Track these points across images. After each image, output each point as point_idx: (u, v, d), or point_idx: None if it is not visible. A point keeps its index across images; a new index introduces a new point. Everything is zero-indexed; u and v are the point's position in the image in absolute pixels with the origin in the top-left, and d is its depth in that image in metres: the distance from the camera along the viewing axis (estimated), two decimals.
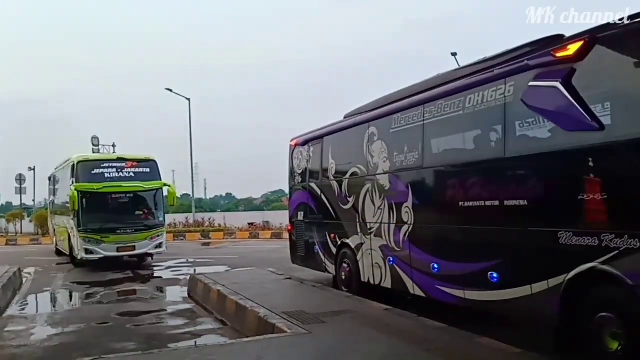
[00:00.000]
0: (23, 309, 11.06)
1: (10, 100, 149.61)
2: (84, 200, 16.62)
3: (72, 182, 17.05)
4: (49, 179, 25.25)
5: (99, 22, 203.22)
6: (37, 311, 11.21)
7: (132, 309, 10.80)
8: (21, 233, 35.88)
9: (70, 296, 12.44)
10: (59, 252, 21.24)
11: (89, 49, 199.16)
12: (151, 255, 17.83)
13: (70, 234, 17.81)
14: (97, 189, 16.74)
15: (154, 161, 18.07)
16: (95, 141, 35.33)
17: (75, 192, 16.35)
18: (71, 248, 17.90)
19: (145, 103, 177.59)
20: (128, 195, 17.76)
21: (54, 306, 11.48)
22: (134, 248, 17.05)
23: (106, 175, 17.08)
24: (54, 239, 22.78)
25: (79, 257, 16.87)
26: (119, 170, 17.29)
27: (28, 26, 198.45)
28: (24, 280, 14.47)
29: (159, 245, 17.64)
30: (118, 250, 16.84)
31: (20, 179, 36.16)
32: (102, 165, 17.34)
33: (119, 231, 16.85)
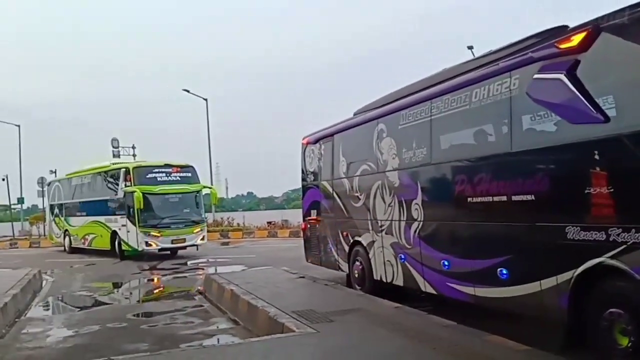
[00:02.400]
0: (41, 311, 11.25)
1: (27, 103, 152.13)
2: (144, 200, 19.15)
3: (126, 185, 20.01)
4: (51, 184, 28.00)
5: (114, 22, 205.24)
6: (54, 313, 11.39)
7: (147, 309, 10.97)
8: (44, 235, 36.43)
9: (88, 297, 12.59)
10: (73, 250, 24.10)
11: (103, 49, 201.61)
12: (197, 246, 20.66)
13: (118, 231, 20.52)
14: (155, 191, 19.76)
15: (193, 167, 21.45)
16: (115, 143, 35.84)
17: (140, 193, 19.09)
18: (118, 243, 20.58)
19: (163, 103, 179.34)
20: (177, 195, 20.56)
21: (71, 308, 11.63)
22: (184, 240, 20.19)
23: (158, 179, 20.22)
24: (65, 240, 25.32)
25: (139, 249, 19.57)
26: (167, 174, 20.53)
27: (42, 28, 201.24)
28: (44, 282, 14.68)
29: (203, 238, 20.90)
30: (172, 242, 19.98)
31: (42, 182, 36.66)
32: (153, 171, 20.41)
33: (173, 226, 19.93)
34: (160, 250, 19.94)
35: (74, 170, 26.55)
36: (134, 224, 19.58)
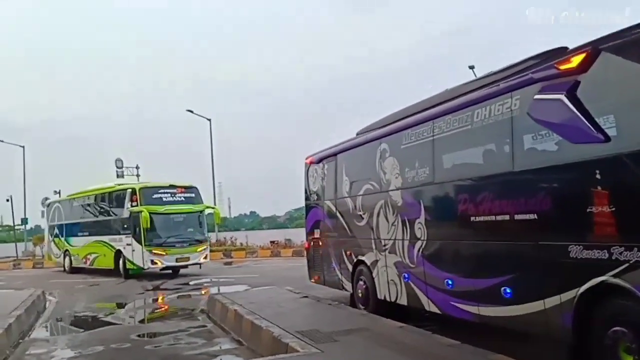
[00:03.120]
0: (45, 332, 11.26)
1: (28, 124, 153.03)
2: (150, 219, 19.75)
3: (132, 205, 20.51)
4: (50, 205, 28.82)
5: (115, 44, 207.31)
6: (58, 334, 11.39)
7: (151, 330, 10.95)
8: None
9: (91, 318, 12.58)
10: (73, 270, 24.54)
11: (105, 70, 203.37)
12: (199, 264, 21.13)
13: (123, 250, 20.94)
14: (161, 211, 20.35)
15: (196, 187, 22.27)
16: (119, 163, 36.03)
17: (147, 213, 19.69)
18: (123, 262, 20.91)
19: (165, 123, 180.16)
20: (182, 215, 21.21)
21: (75, 328, 11.62)
22: (188, 259, 20.66)
23: (163, 199, 20.83)
24: (65, 260, 25.70)
25: (145, 267, 20.08)
26: (172, 195, 21.12)
27: (45, 48, 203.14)
28: (48, 302, 14.68)
29: (205, 257, 21.44)
30: (176, 260, 20.40)
31: (46, 202, 36.77)
32: (159, 191, 21.02)
33: (177, 245, 20.46)
34: (162, 269, 20.54)
35: (75, 192, 26.87)
36: (140, 243, 20.09)
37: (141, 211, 19.89)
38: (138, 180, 34.34)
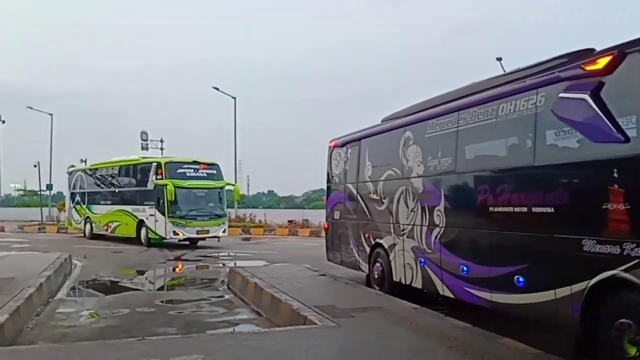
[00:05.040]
0: (73, 293, 11.79)
1: (58, 93, 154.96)
2: (175, 193, 20.74)
3: (157, 178, 21.48)
4: (72, 173, 29.52)
5: (144, 18, 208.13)
6: (85, 296, 11.91)
7: (174, 297, 11.43)
8: None
9: (116, 283, 13.08)
10: (93, 237, 25.73)
11: (133, 44, 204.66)
12: (218, 237, 22.34)
13: (145, 220, 22.14)
14: (185, 185, 21.34)
15: (218, 165, 23.17)
16: (144, 136, 36.65)
17: (172, 186, 20.71)
18: (145, 231, 22.08)
19: (191, 99, 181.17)
20: (204, 190, 22.25)
21: (102, 291, 12.12)
22: (208, 232, 21.89)
23: (187, 174, 21.80)
24: (86, 226, 26.74)
25: (167, 237, 21.25)
26: (195, 170, 22.10)
27: (71, 22, 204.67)
28: (74, 266, 15.26)
29: (224, 231, 22.73)
30: (197, 233, 21.63)
31: (69, 170, 37.48)
32: (183, 166, 21.98)
33: (199, 218, 21.60)
34: (182, 240, 21.66)
35: (99, 161, 27.52)
36: (163, 214, 21.17)
37: (166, 184, 20.79)
38: (162, 153, 34.99)
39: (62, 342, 6.97)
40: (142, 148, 35.16)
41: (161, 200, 21.15)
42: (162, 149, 37.52)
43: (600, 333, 5.51)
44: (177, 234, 21.15)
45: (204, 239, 22.11)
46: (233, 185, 25.45)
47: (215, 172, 22.72)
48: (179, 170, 21.66)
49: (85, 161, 38.04)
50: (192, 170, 21.95)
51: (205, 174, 22.23)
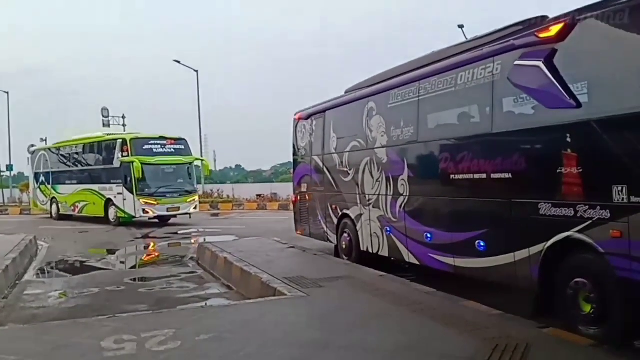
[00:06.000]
0: (40, 275, 11.67)
1: (13, 70, 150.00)
2: (142, 170, 20.24)
3: (123, 156, 20.94)
4: (35, 152, 28.78)
5: None
6: (53, 277, 11.80)
7: (143, 274, 11.43)
8: None
9: (84, 263, 12.98)
10: (60, 217, 25.13)
11: (91, 14, 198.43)
12: (189, 214, 21.87)
13: (114, 199, 21.57)
14: (152, 162, 20.81)
15: (185, 140, 22.62)
16: (105, 112, 35.93)
17: (139, 164, 20.19)
18: (114, 211, 21.60)
19: (153, 73, 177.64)
20: (172, 166, 21.80)
21: (70, 272, 12.03)
22: (178, 209, 21.43)
23: (154, 150, 21.27)
24: (52, 207, 26.10)
25: (137, 216, 20.84)
26: (162, 146, 21.57)
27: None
28: (39, 247, 15.06)
29: (195, 207, 22.19)
30: (167, 210, 21.19)
31: (31, 150, 36.65)
32: (149, 142, 21.44)
33: (168, 195, 21.15)
34: (152, 218, 21.32)
35: (61, 140, 26.87)
36: (131, 192, 20.72)
37: (132, 162, 20.34)
38: (124, 130, 34.34)
39: (32, 323, 6.93)
40: (104, 125, 34.43)
41: (128, 178, 20.72)
42: (124, 125, 36.83)
43: (558, 292, 5.76)
44: (147, 212, 20.79)
45: (175, 216, 21.84)
46: (202, 160, 25.27)
47: (183, 147, 22.30)
48: (146, 147, 21.19)
49: (46, 140, 37.17)
50: (159, 146, 21.50)
51: (172, 150, 21.79)
